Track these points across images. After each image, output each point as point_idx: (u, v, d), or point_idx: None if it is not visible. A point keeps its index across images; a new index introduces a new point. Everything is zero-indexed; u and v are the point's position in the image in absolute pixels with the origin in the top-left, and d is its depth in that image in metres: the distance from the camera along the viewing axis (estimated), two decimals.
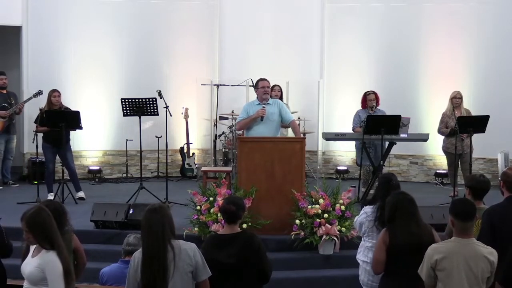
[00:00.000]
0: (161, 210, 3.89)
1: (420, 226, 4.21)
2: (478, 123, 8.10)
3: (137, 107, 8.32)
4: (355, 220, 5.20)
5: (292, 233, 6.35)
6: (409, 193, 4.39)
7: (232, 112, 9.95)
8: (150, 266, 3.76)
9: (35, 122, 8.53)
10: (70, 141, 8.66)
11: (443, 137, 8.83)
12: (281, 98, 9.10)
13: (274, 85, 9.17)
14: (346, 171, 10.74)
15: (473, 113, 8.78)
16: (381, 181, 4.96)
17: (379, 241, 4.34)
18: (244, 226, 6.07)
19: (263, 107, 7.20)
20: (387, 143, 8.14)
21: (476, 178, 4.79)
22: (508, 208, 4.46)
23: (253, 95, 8.16)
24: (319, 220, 6.31)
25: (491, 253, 3.85)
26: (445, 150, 8.86)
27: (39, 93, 9.22)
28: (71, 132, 8.66)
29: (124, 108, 8.38)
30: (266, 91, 7.28)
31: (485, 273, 3.82)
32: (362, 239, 5.00)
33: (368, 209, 4.90)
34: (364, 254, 4.91)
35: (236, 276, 4.18)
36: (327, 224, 6.31)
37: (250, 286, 4.25)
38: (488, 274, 3.83)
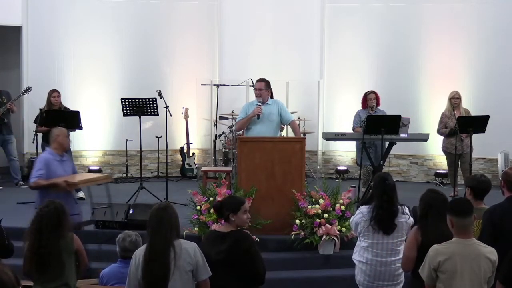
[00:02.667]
0: (169, 209, 3.91)
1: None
2: (478, 123, 8.10)
3: (137, 107, 8.32)
4: (351, 220, 5.20)
5: (292, 233, 6.36)
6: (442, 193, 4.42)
7: (232, 112, 9.95)
8: (153, 264, 3.78)
9: (35, 122, 8.53)
10: (70, 141, 8.64)
11: (443, 137, 8.84)
12: (271, 97, 9.10)
13: None
14: (346, 171, 10.73)
15: (473, 113, 8.78)
16: (376, 181, 4.95)
17: (411, 238, 4.36)
18: None
19: (259, 105, 7.20)
20: (387, 143, 8.14)
21: (477, 178, 4.79)
22: (509, 208, 4.47)
23: (253, 95, 8.16)
24: (319, 220, 6.31)
25: (492, 253, 3.86)
26: (445, 150, 8.86)
27: (28, 90, 9.19)
28: (71, 132, 8.64)
29: (124, 108, 8.38)
30: (257, 93, 7.32)
31: (487, 273, 3.82)
32: (358, 239, 5.00)
33: (363, 209, 4.90)
34: (360, 254, 4.90)
35: (225, 273, 4.16)
36: (327, 224, 6.31)
37: (240, 285, 4.23)
38: (490, 274, 3.83)
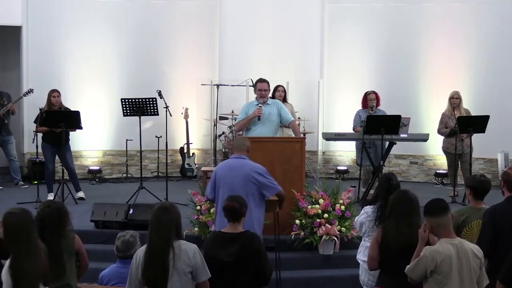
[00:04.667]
0: (171, 209, 3.91)
1: (411, 227, 4.14)
2: (478, 123, 8.11)
3: (137, 107, 8.32)
4: (355, 220, 5.20)
5: (292, 233, 6.35)
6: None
7: (232, 112, 9.95)
8: (152, 263, 3.78)
9: (35, 122, 8.51)
10: (70, 141, 8.65)
11: (443, 137, 8.84)
12: (284, 98, 9.10)
13: (278, 86, 9.18)
14: (346, 171, 10.73)
15: (473, 113, 8.79)
16: (381, 180, 4.96)
17: (373, 238, 4.39)
18: None
19: (260, 106, 7.20)
20: (387, 143, 8.15)
21: (477, 178, 4.79)
22: (509, 208, 4.46)
23: (253, 95, 8.16)
24: (319, 220, 6.31)
25: (478, 250, 3.90)
26: (445, 150, 8.87)
27: (29, 91, 9.23)
28: (71, 132, 8.65)
29: (124, 108, 8.38)
30: (262, 94, 7.27)
31: (477, 271, 3.85)
32: (363, 239, 5.01)
33: (368, 209, 4.91)
34: (364, 254, 4.91)
35: (235, 275, 4.20)
36: (327, 224, 6.31)
37: (248, 286, 4.27)
38: (479, 271, 3.86)
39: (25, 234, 3.68)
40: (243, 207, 4.37)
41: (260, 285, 4.35)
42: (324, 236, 6.30)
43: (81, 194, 8.61)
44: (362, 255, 4.95)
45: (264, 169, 5.30)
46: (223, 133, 10.20)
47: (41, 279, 3.66)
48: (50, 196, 8.28)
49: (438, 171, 10.26)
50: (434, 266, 3.78)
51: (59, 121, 8.15)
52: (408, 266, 3.90)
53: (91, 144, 10.50)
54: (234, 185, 5.14)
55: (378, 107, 8.66)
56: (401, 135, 8.08)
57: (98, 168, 10.45)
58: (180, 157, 10.62)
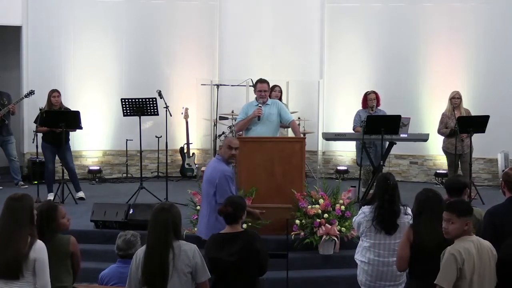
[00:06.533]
0: (170, 209, 3.90)
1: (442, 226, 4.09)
2: (478, 123, 8.10)
3: (137, 107, 8.33)
4: (353, 220, 5.19)
5: (292, 233, 6.35)
6: (437, 191, 4.38)
7: (232, 112, 9.95)
8: (151, 264, 3.78)
9: (35, 122, 8.53)
10: (70, 141, 8.66)
11: (443, 137, 8.84)
12: (280, 98, 9.08)
13: (275, 86, 9.15)
14: (346, 171, 10.73)
15: (473, 113, 8.78)
16: (378, 181, 4.95)
17: (404, 237, 4.35)
18: (244, 226, 6.07)
19: (259, 106, 7.21)
20: (387, 143, 8.15)
21: (451, 177, 4.85)
22: (510, 209, 4.45)
23: (253, 95, 8.16)
24: (319, 220, 6.31)
25: (493, 248, 3.87)
26: (445, 150, 8.87)
27: (31, 93, 9.25)
28: (71, 132, 8.66)
29: (124, 108, 8.39)
30: (262, 95, 7.28)
31: (494, 268, 3.82)
32: (360, 239, 4.99)
33: (366, 209, 4.89)
34: (362, 254, 4.90)
35: (237, 274, 4.22)
36: (327, 224, 6.31)
37: (250, 284, 4.29)
38: (495, 268, 3.83)
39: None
40: (238, 210, 4.38)
41: (259, 276, 4.41)
42: (324, 236, 6.30)
43: (81, 194, 8.61)
44: (359, 255, 4.94)
45: (230, 172, 5.36)
46: (223, 133, 10.19)
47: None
48: (50, 196, 8.28)
49: (438, 171, 10.26)
50: (462, 262, 3.69)
51: (59, 121, 8.16)
52: (437, 278, 3.72)
53: (91, 144, 10.50)
54: (203, 187, 5.37)
55: (378, 107, 8.67)
56: (401, 135, 8.08)
57: (98, 168, 10.44)
58: (180, 157, 10.62)
